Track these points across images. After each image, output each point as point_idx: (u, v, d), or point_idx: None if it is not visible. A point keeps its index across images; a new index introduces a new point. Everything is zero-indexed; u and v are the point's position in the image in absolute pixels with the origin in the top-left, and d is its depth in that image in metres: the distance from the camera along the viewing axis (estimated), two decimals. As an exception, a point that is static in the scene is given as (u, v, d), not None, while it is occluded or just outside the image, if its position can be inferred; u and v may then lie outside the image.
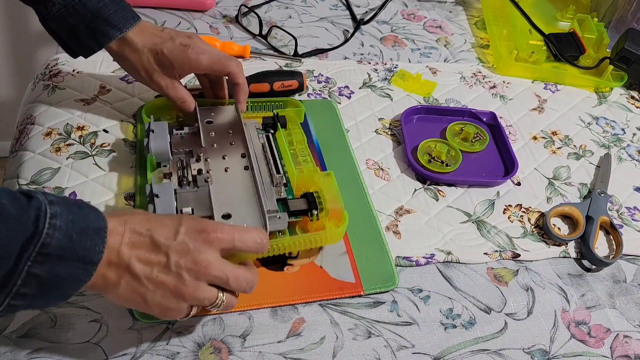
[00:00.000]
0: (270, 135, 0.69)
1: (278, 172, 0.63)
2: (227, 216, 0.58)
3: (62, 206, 0.40)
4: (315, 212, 0.59)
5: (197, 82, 0.74)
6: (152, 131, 0.64)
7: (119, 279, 0.44)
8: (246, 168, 0.63)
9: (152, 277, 0.45)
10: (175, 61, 0.65)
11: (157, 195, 0.56)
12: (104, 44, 0.65)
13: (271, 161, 0.65)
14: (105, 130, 0.71)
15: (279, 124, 0.70)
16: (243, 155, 0.65)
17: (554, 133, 0.82)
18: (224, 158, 0.64)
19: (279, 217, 0.59)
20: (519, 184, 0.74)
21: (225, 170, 0.63)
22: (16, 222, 0.38)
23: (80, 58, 0.68)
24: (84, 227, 0.41)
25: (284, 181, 0.63)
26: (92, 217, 0.42)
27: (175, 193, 0.59)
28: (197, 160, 0.64)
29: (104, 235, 0.42)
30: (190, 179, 0.61)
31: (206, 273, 0.46)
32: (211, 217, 0.57)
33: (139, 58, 0.66)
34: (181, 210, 0.57)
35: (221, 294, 0.48)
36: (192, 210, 0.57)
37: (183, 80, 0.74)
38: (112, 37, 0.65)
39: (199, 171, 0.62)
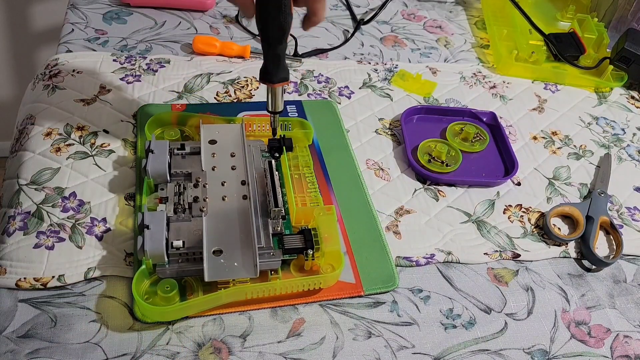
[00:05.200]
0: (272, 161, 0.65)
1: (277, 205, 0.59)
2: (218, 252, 0.55)
3: None
4: (311, 252, 0.57)
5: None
6: (152, 151, 0.62)
7: None
8: (244, 197, 0.61)
9: None
10: None
11: (147, 227, 0.54)
12: None
13: (270, 192, 0.61)
14: (105, 130, 0.71)
15: (284, 147, 0.67)
16: (243, 183, 0.62)
17: (554, 133, 0.82)
18: (223, 184, 0.62)
19: (272, 254, 0.56)
20: (519, 184, 0.74)
21: (223, 199, 0.60)
22: None
23: (81, 57, 0.67)
24: None
25: (282, 214, 0.60)
26: None
27: (169, 222, 0.57)
28: (195, 186, 0.61)
29: None
30: (186, 206, 0.59)
31: None
32: (201, 252, 0.55)
33: None
34: (172, 244, 0.55)
35: None
36: (183, 243, 0.55)
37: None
38: None
39: (195, 199, 0.60)
